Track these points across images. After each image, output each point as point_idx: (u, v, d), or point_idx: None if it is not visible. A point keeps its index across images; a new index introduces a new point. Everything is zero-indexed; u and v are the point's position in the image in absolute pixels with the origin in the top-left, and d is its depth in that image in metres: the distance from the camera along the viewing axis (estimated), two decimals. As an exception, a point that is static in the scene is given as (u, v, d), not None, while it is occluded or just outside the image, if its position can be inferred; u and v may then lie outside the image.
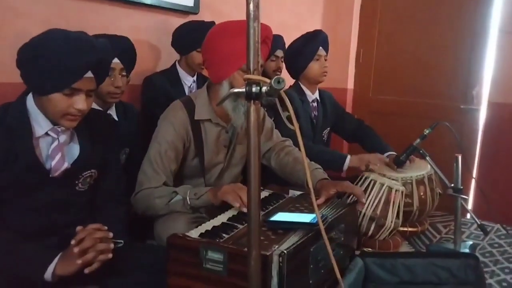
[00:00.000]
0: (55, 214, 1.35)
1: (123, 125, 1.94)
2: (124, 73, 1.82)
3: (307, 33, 2.27)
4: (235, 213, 1.43)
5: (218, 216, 1.39)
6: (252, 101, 0.86)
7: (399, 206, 1.88)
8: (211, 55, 1.62)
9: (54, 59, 1.20)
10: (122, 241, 1.36)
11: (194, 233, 1.19)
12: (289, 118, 1.41)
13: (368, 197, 1.87)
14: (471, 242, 1.93)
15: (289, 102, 0.87)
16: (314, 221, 1.20)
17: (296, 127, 0.88)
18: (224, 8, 2.80)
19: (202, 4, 2.63)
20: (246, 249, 1.04)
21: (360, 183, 1.94)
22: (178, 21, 2.46)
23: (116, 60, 1.76)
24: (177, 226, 1.41)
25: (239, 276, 1.04)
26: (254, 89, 0.84)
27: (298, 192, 1.63)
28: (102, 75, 1.33)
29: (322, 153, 2.03)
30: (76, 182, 1.40)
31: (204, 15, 2.62)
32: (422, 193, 2.03)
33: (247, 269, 0.91)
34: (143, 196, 1.56)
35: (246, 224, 1.30)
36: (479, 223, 1.83)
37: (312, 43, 2.20)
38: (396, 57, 3.53)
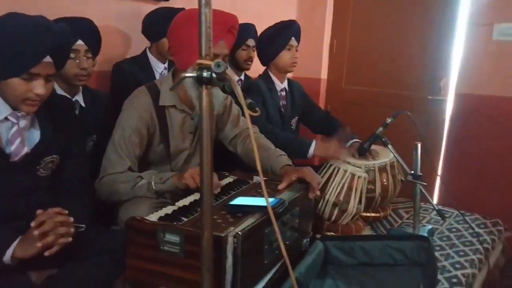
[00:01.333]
0: (17, 199, 1.36)
1: (91, 112, 1.94)
2: (89, 55, 1.81)
3: (281, 21, 2.29)
4: (198, 197, 1.46)
5: (181, 200, 1.41)
6: (204, 85, 0.88)
7: (361, 192, 1.94)
8: (176, 42, 1.63)
9: (11, 43, 1.20)
10: (83, 225, 1.38)
11: (154, 217, 1.21)
12: (251, 105, 1.47)
13: (331, 183, 1.93)
14: (430, 227, 2.00)
15: (239, 88, 0.89)
16: (272, 204, 1.24)
17: (247, 114, 0.90)
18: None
19: (173, -9, 2.62)
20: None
21: (325, 170, 2.00)
22: (149, 7, 2.44)
23: (80, 42, 1.76)
24: (140, 211, 1.43)
25: (195, 258, 1.07)
26: (205, 74, 0.87)
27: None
28: (62, 60, 1.33)
29: (287, 140, 2.07)
30: (37, 167, 1.40)
31: (175, 2, 2.61)
32: (384, 180, 2.09)
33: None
34: (107, 181, 1.57)
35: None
36: (437, 208, 1.91)
37: (285, 32, 2.24)
38: (369, 48, 3.58)
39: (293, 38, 2.25)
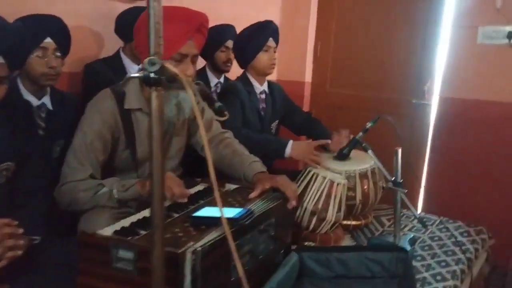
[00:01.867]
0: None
1: (59, 115, 1.84)
2: (58, 54, 1.71)
3: (257, 22, 2.20)
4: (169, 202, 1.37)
5: (143, 211, 1.32)
6: (152, 87, 0.79)
7: (341, 199, 1.86)
8: (141, 42, 1.54)
9: None
10: (38, 237, 1.28)
11: (109, 230, 1.12)
12: (220, 109, 1.38)
13: (310, 190, 1.85)
14: (411, 235, 1.93)
15: (191, 91, 0.80)
16: (238, 216, 1.15)
17: (199, 117, 0.81)
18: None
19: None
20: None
21: (303, 176, 1.92)
22: (122, 6, 2.35)
23: (48, 40, 1.67)
24: (101, 222, 1.33)
25: (151, 276, 0.98)
26: (152, 74, 0.78)
27: (234, 186, 1.58)
28: (15, 61, 1.24)
29: (264, 141, 1.99)
30: (-10, 175, 1.30)
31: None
32: (365, 187, 2.02)
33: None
34: (66, 189, 1.47)
35: (168, 220, 1.24)
36: (417, 216, 1.84)
37: (261, 33, 2.15)
38: (353, 51, 3.53)
39: (270, 38, 2.17)
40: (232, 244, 0.81)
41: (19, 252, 1.15)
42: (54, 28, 1.68)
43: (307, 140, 2.00)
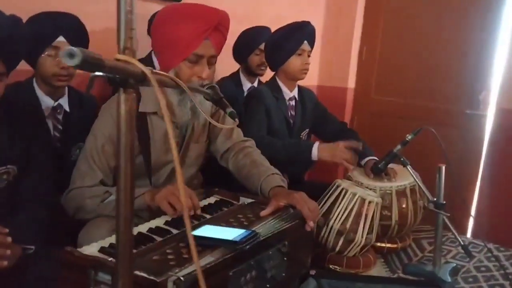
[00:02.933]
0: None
1: (76, 118, 1.78)
2: None
3: (293, 23, 2.04)
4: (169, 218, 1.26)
5: (146, 223, 1.21)
6: (121, 88, 0.67)
7: (373, 220, 1.67)
8: (158, 41, 1.44)
9: None
10: (32, 247, 1.20)
11: (95, 247, 1.01)
12: (231, 115, 1.25)
13: (337, 208, 1.67)
14: (454, 265, 1.70)
15: (161, 94, 0.67)
16: (238, 239, 1.00)
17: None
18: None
19: (184, -8, 2.46)
20: (140, 272, 0.86)
21: (331, 191, 1.74)
22: (156, 7, 2.28)
23: (61, 39, 1.60)
24: (100, 234, 1.23)
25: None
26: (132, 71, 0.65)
27: (250, 200, 1.44)
28: (11, 57, 1.16)
29: (286, 146, 1.83)
30: (-10, 179, 1.24)
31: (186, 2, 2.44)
32: (403, 206, 1.81)
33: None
34: (74, 195, 1.39)
35: (167, 236, 1.12)
36: (462, 244, 1.60)
37: (296, 35, 1.98)
38: (401, 56, 3.28)
39: (305, 42, 1.99)
40: (198, 266, 0.66)
41: (5, 263, 1.07)
42: (68, 26, 1.61)
43: (338, 144, 1.82)
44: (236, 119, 1.24)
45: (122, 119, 0.68)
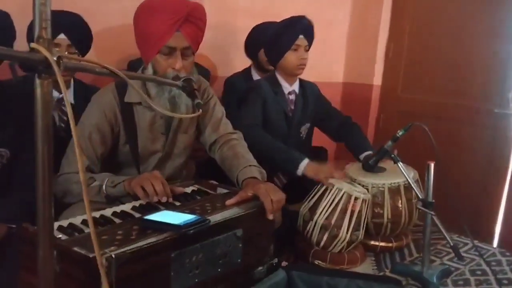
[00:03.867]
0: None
1: (81, 109, 1.89)
2: (72, 50, 1.76)
3: (289, 18, 2.03)
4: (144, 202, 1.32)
5: (115, 207, 1.28)
6: (37, 75, 0.73)
7: (360, 216, 1.64)
8: (135, 35, 1.52)
9: None
10: (14, 225, 1.30)
11: (56, 225, 1.09)
12: (197, 105, 1.29)
13: (323, 203, 1.66)
14: (446, 266, 1.63)
15: (62, 83, 0.71)
16: (183, 224, 1.04)
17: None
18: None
19: (202, -10, 2.51)
20: (77, 248, 0.93)
21: (319, 186, 1.73)
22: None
23: (62, 36, 1.71)
24: (78, 215, 1.31)
25: (69, 278, 0.92)
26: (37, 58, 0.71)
27: (225, 191, 1.47)
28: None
29: (278, 151, 1.82)
30: (-15, 161, 1.36)
31: (203, 1, 2.50)
32: (397, 204, 1.76)
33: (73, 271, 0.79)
34: (62, 180, 1.49)
35: (128, 220, 1.18)
36: (451, 244, 1.53)
37: (290, 30, 1.97)
38: (428, 54, 3.15)
39: (301, 36, 1.97)
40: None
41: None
42: (69, 24, 1.72)
43: (327, 164, 1.79)
44: (200, 110, 1.27)
45: (38, 102, 0.74)
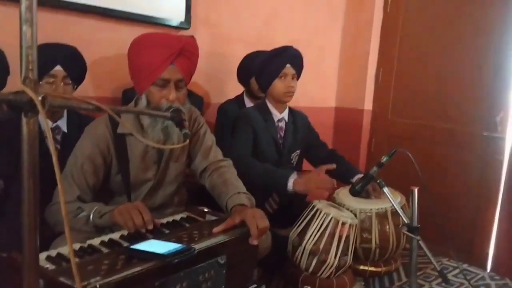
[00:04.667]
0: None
1: (74, 138, 1.92)
2: (68, 81, 1.80)
3: (276, 48, 2.10)
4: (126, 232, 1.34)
5: (103, 236, 1.30)
6: (22, 113, 0.77)
7: (347, 241, 1.66)
8: (129, 67, 1.57)
9: None
10: (4, 254, 1.32)
11: (45, 254, 1.11)
12: (185, 135, 1.33)
13: (311, 228, 1.68)
14: (433, 291, 1.65)
15: (43, 116, 0.76)
16: (167, 253, 1.07)
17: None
18: (219, 23, 2.73)
19: (194, 19, 2.59)
20: (63, 278, 0.95)
21: (308, 210, 1.76)
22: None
23: (58, 68, 1.76)
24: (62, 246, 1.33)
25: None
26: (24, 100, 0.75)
27: (214, 218, 1.50)
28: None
29: (265, 172, 1.86)
30: (-23, 192, 1.39)
31: (197, 31, 2.57)
32: (386, 229, 1.79)
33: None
34: (53, 210, 1.52)
35: (114, 248, 1.20)
36: (438, 269, 1.55)
37: (278, 59, 2.04)
38: (417, 78, 3.23)
39: (288, 65, 2.04)
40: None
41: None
42: (65, 56, 1.77)
43: (312, 171, 1.81)
44: (187, 140, 1.31)
45: (24, 140, 0.78)
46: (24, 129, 0.78)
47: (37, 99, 0.74)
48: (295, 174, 1.83)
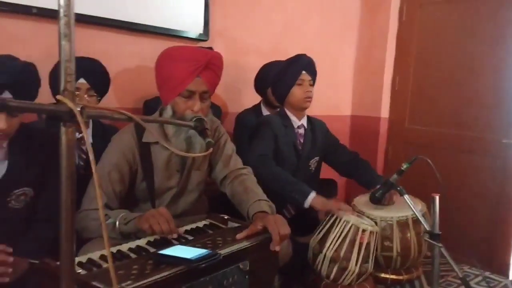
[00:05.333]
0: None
1: (99, 148, 1.98)
2: (92, 93, 1.86)
3: (290, 57, 2.16)
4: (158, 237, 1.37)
5: (131, 242, 1.34)
6: (62, 123, 0.81)
7: (368, 249, 1.67)
8: (156, 78, 1.62)
9: None
10: (37, 261, 1.36)
11: (76, 261, 1.14)
12: (208, 144, 1.36)
13: (331, 236, 1.70)
14: (456, 299, 1.64)
15: (84, 128, 0.80)
16: (194, 258, 1.10)
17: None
18: (236, 34, 2.79)
19: (212, 31, 2.65)
20: (95, 282, 0.98)
21: (328, 218, 1.77)
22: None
23: (82, 80, 1.83)
24: (94, 251, 1.37)
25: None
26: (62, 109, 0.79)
27: (236, 224, 1.52)
28: (23, 96, 1.36)
29: (286, 184, 1.88)
30: (8, 199, 1.44)
31: (215, 42, 2.62)
32: (406, 237, 1.79)
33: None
34: (81, 217, 1.56)
35: (142, 254, 1.24)
36: (461, 275, 1.55)
37: (293, 66, 2.09)
38: (434, 85, 3.23)
39: (303, 72, 2.09)
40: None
41: (7, 279, 1.24)
42: (88, 70, 1.84)
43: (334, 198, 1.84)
44: (211, 149, 1.34)
45: (63, 148, 0.82)
46: (63, 138, 0.82)
47: (76, 110, 0.78)
48: (314, 193, 1.85)
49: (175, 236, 1.38)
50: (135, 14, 2.28)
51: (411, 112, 3.40)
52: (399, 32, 3.43)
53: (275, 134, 2.05)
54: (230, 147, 1.80)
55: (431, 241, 1.56)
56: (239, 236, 1.35)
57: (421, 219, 1.64)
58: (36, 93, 1.45)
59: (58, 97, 0.81)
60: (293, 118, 2.14)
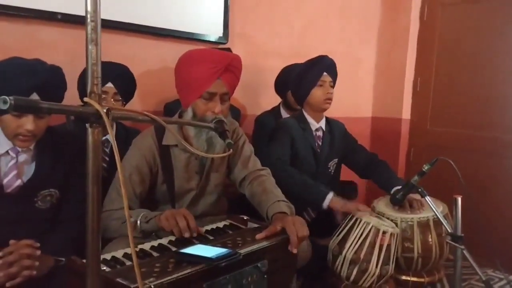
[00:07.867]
0: (10, 227, 1.44)
1: (123, 150, 2.02)
2: (118, 98, 1.91)
3: (311, 58, 2.16)
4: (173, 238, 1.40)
5: (153, 241, 1.37)
6: (89, 125, 0.84)
7: (389, 250, 1.66)
8: (177, 81, 1.64)
9: (0, 82, 1.32)
10: (63, 259, 1.41)
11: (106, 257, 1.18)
12: (228, 145, 1.38)
13: (351, 237, 1.69)
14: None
15: (111, 129, 0.82)
16: (215, 257, 1.11)
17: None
18: (255, 37, 2.81)
19: (232, 34, 2.67)
20: (120, 279, 1.01)
21: (347, 219, 1.77)
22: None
23: (109, 85, 1.87)
24: (116, 249, 1.40)
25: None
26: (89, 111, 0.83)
27: (256, 225, 1.54)
28: (50, 98, 1.41)
29: (304, 186, 1.88)
30: (35, 199, 1.49)
31: (234, 45, 2.65)
32: (429, 239, 1.77)
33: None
34: (103, 217, 1.59)
35: (164, 253, 1.26)
36: (484, 278, 1.52)
37: (315, 68, 2.09)
38: (456, 86, 3.19)
39: (325, 73, 2.08)
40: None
41: (34, 272, 1.28)
42: (115, 74, 1.88)
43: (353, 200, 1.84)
44: (231, 149, 1.36)
45: (89, 149, 0.85)
46: (90, 139, 0.85)
47: (103, 111, 0.81)
48: (332, 193, 1.85)
49: (195, 234, 1.40)
50: (157, 19, 2.32)
51: (433, 113, 3.36)
52: (420, 32, 3.39)
53: (293, 138, 2.05)
54: (248, 149, 1.81)
55: (453, 243, 1.54)
56: (258, 236, 1.37)
57: (443, 220, 1.62)
58: (62, 95, 1.50)
59: (86, 99, 0.84)
60: (311, 120, 2.14)
